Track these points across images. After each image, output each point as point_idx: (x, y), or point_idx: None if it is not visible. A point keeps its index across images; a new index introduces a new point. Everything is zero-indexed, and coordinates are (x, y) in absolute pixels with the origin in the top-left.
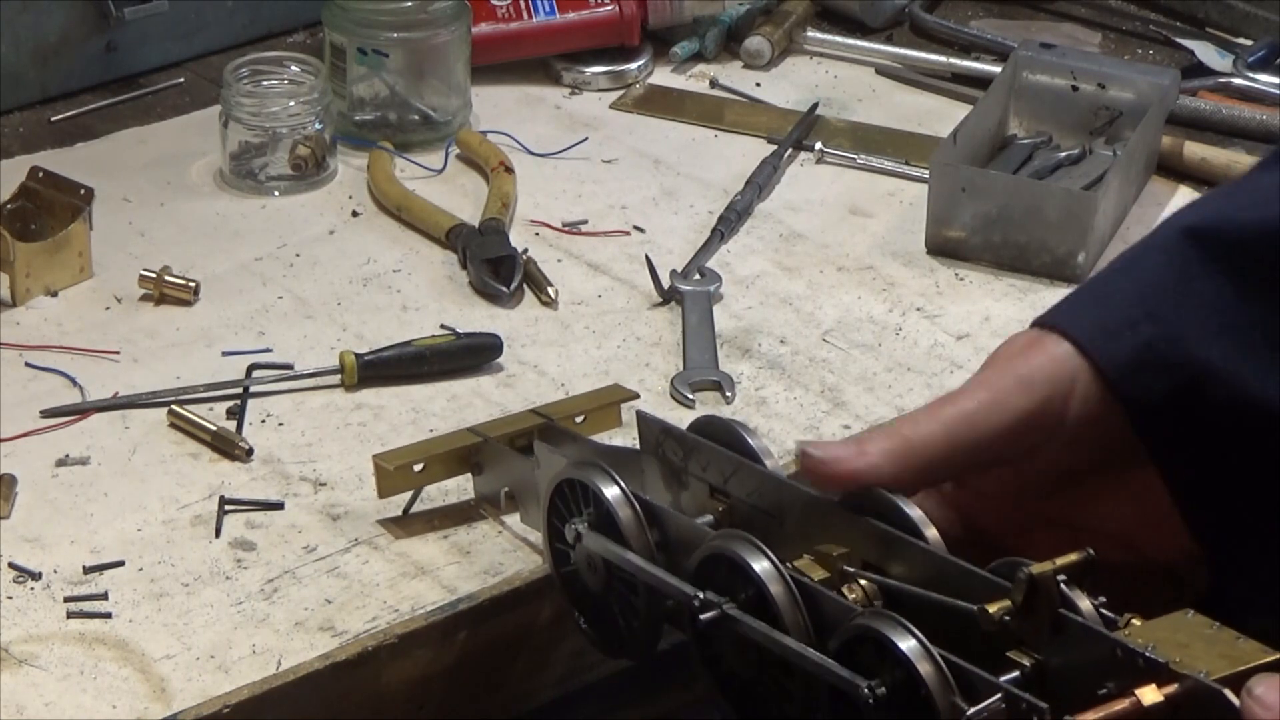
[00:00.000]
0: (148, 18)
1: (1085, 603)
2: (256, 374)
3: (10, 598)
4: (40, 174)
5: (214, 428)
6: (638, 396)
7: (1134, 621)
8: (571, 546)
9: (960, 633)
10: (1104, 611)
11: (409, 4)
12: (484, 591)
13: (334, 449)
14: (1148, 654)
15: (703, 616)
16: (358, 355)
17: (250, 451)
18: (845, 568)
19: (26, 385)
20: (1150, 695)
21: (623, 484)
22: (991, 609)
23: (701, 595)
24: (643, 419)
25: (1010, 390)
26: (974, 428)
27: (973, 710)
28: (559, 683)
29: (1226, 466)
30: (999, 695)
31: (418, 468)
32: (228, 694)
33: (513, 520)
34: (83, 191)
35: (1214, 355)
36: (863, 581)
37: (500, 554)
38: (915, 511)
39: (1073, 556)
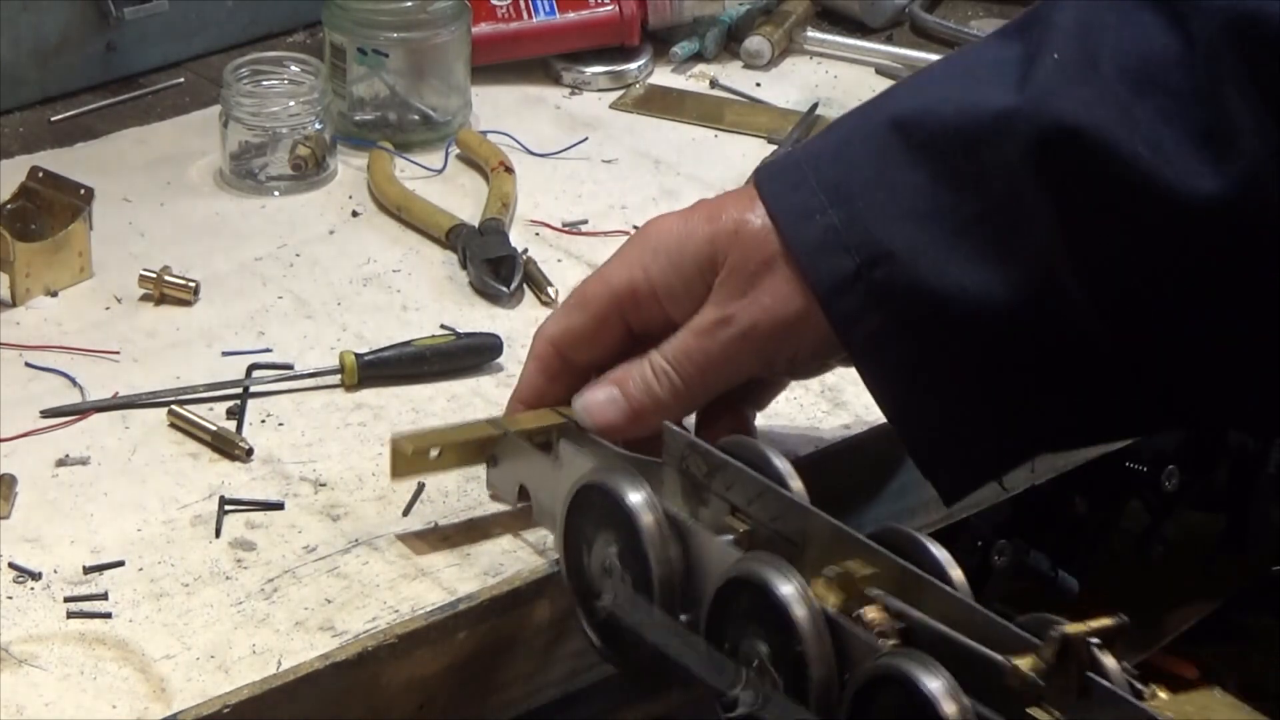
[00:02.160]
0: (148, 18)
1: (1115, 667)
2: (256, 374)
3: (10, 598)
4: (40, 174)
5: (214, 428)
6: None
7: (1160, 693)
8: (589, 558)
9: (981, 683)
10: (1132, 679)
11: (409, 4)
12: (484, 591)
13: (334, 449)
14: None
15: (728, 716)
16: (358, 355)
17: (250, 451)
18: (866, 590)
19: (26, 385)
20: None
21: (649, 491)
22: (1023, 665)
23: (733, 693)
24: (669, 431)
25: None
26: (720, 387)
27: None
28: (559, 683)
29: (913, 357)
30: None
31: (434, 454)
32: (228, 694)
33: (512, 512)
34: (83, 191)
35: (896, 239)
36: (879, 607)
37: (500, 554)
38: (942, 553)
39: (1106, 620)
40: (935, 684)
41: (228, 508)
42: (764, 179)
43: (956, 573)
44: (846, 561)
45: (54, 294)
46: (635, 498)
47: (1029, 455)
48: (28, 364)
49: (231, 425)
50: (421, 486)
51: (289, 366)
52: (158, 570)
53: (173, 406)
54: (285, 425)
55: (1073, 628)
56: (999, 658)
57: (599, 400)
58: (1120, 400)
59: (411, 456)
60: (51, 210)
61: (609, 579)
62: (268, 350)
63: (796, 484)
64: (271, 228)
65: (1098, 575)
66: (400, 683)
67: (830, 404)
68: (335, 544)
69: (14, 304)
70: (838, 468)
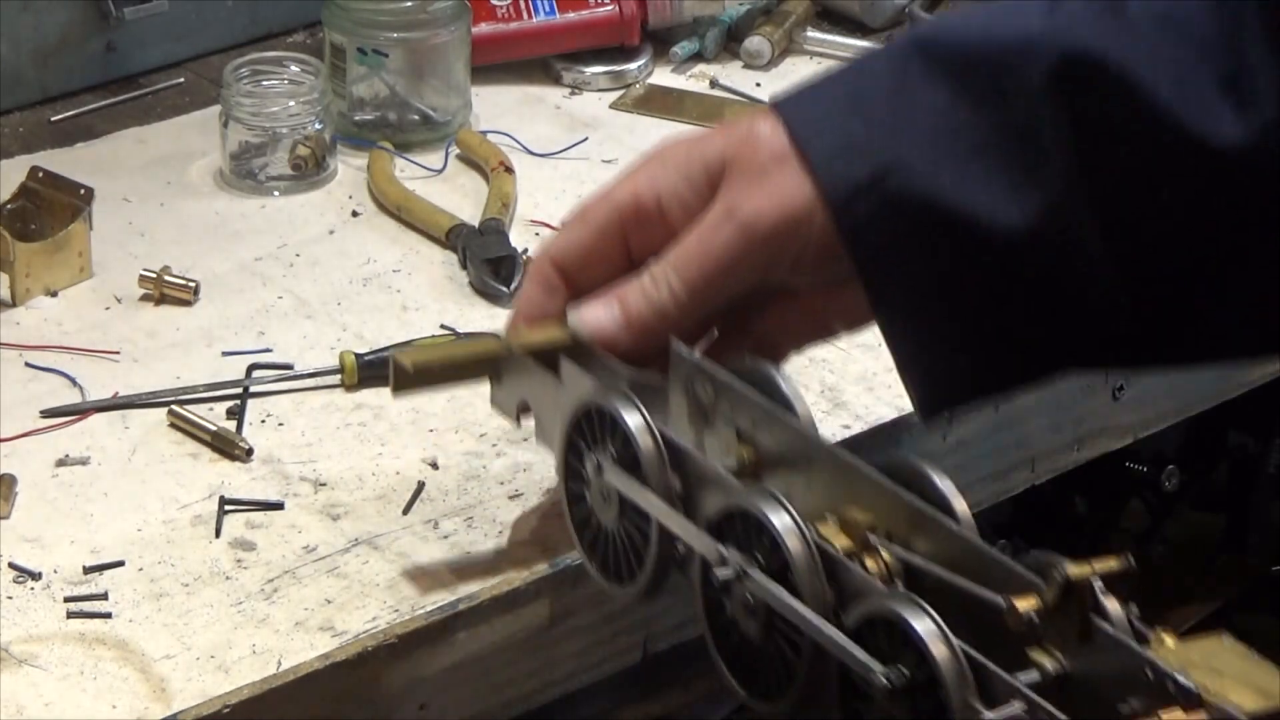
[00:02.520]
0: (148, 18)
1: (1118, 612)
2: (256, 374)
3: (10, 598)
4: (40, 174)
5: (214, 428)
6: None
7: (1166, 638)
8: (587, 481)
9: (981, 623)
10: (1136, 624)
11: (409, 4)
12: (484, 591)
13: (334, 449)
14: (1180, 679)
15: (720, 573)
16: (358, 355)
17: (250, 451)
18: (869, 537)
19: (26, 385)
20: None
21: (647, 415)
22: (1021, 606)
23: (722, 551)
24: (677, 351)
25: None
26: (724, 290)
27: (990, 715)
28: (559, 683)
29: (916, 269)
30: (1019, 704)
31: (437, 368)
32: (228, 694)
33: (512, 511)
34: (83, 191)
35: (912, 151)
36: (885, 554)
37: (500, 554)
38: (947, 484)
39: (1112, 562)
40: (923, 626)
41: (228, 508)
42: (779, 96)
43: (961, 504)
44: (850, 506)
45: (54, 294)
46: (633, 421)
47: (1011, 383)
48: (28, 364)
49: (231, 425)
50: (421, 485)
51: (289, 366)
52: (158, 570)
53: (173, 406)
54: (285, 425)
55: (1076, 569)
56: (997, 598)
57: (596, 312)
58: (1111, 334)
59: (413, 372)
60: (51, 210)
61: (607, 504)
62: (268, 350)
63: (803, 408)
64: (271, 228)
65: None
66: (400, 683)
67: (830, 404)
68: (335, 544)
69: (14, 304)
70: None
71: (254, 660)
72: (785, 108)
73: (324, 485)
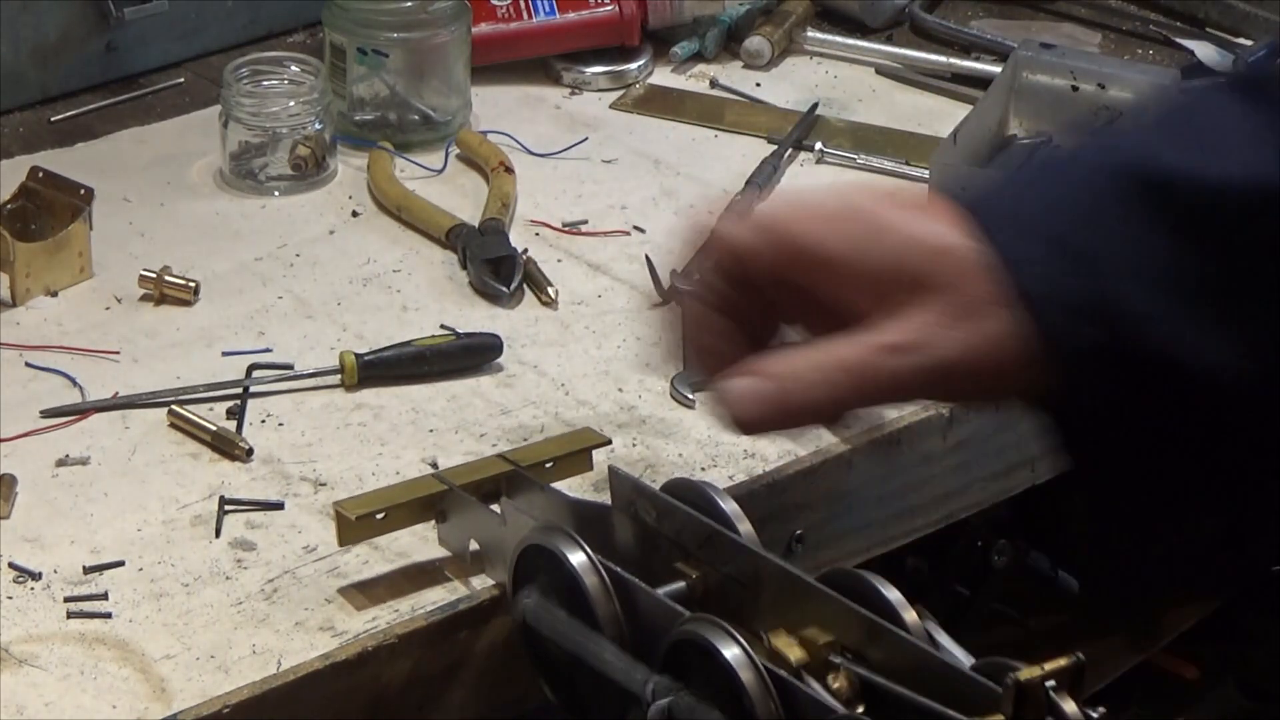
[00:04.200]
0: (148, 18)
1: (1075, 712)
2: (256, 374)
3: (10, 598)
4: (40, 174)
5: (214, 428)
6: (609, 443)
7: None
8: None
9: None
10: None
11: (409, 4)
12: (484, 591)
13: (334, 449)
14: None
15: (654, 704)
16: (358, 355)
17: (250, 451)
18: (829, 656)
19: (26, 385)
20: None
21: (590, 551)
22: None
23: (651, 685)
24: (615, 475)
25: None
26: (876, 401)
27: None
28: None
29: (1135, 426)
30: None
31: (380, 516)
32: (228, 694)
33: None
34: (83, 191)
35: (1142, 307)
36: (844, 674)
37: None
38: (894, 594)
39: (1061, 661)
40: None
41: (228, 508)
42: (984, 212)
43: (910, 614)
44: (803, 622)
45: (54, 294)
46: (577, 559)
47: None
48: (28, 364)
49: (231, 425)
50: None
51: (289, 366)
52: (158, 570)
53: (173, 406)
54: (285, 425)
55: (1027, 672)
56: (960, 718)
57: (747, 391)
58: None
59: (356, 522)
60: (51, 210)
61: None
62: (268, 350)
63: (746, 527)
64: (271, 228)
65: (1098, 575)
66: (400, 683)
67: None
68: (335, 544)
69: (14, 304)
70: (839, 469)
71: (254, 660)
72: (998, 236)
73: (324, 485)
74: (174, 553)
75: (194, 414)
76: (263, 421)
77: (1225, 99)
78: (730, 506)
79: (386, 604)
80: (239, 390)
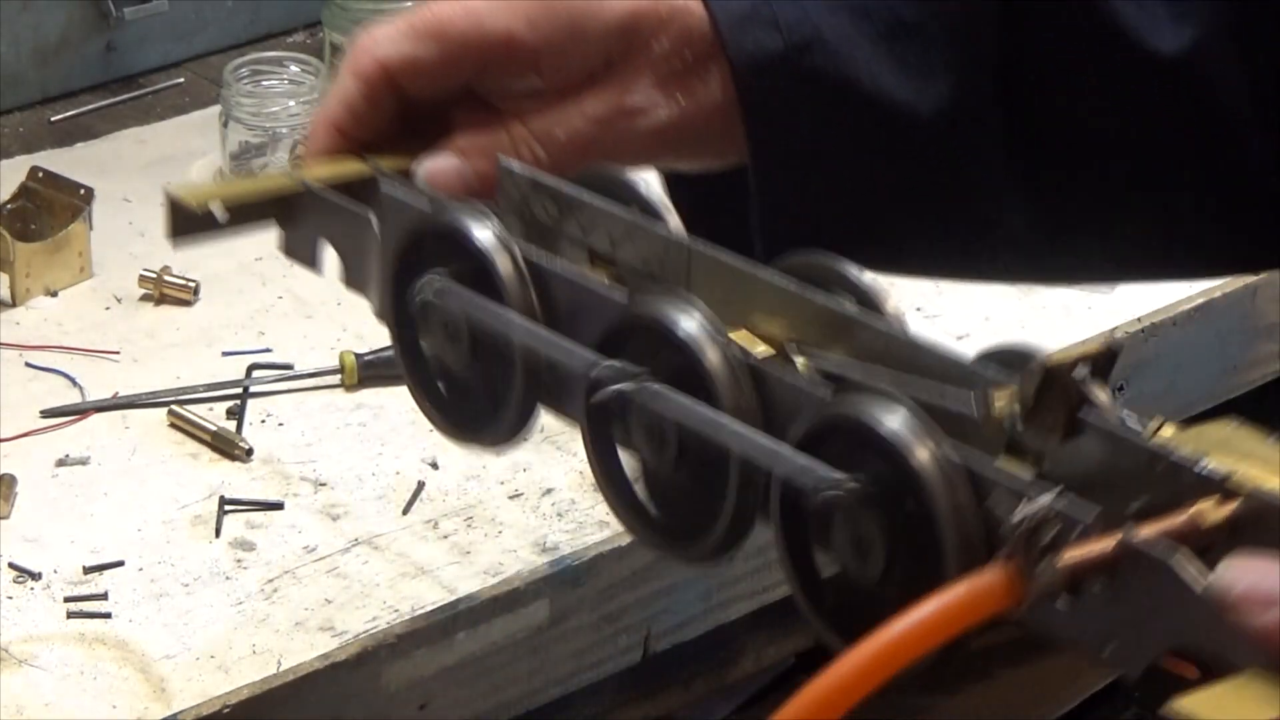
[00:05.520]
0: (148, 18)
1: (1107, 402)
2: (256, 374)
3: (10, 598)
4: (40, 174)
5: (214, 428)
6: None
7: (1165, 429)
8: (425, 322)
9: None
10: (1126, 416)
11: (409, 4)
12: (484, 591)
13: (334, 449)
14: (1203, 466)
15: (614, 388)
16: (358, 355)
17: (250, 451)
18: (788, 348)
19: (26, 385)
20: (1212, 511)
21: (500, 227)
22: (999, 401)
23: (612, 364)
24: (506, 170)
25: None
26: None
27: (1022, 513)
28: (559, 683)
29: (815, 148)
30: (1044, 494)
31: (216, 209)
32: (228, 694)
33: (512, 511)
34: (83, 191)
35: (829, 27)
36: (805, 364)
37: (500, 554)
38: (872, 281)
39: (1094, 345)
40: (895, 423)
41: (228, 508)
42: None
43: (892, 303)
44: (756, 317)
45: (54, 294)
46: (483, 236)
47: (874, 253)
48: (28, 364)
49: (231, 425)
50: (421, 485)
51: (289, 366)
52: (158, 570)
53: (173, 406)
54: (285, 425)
55: (1057, 355)
56: (964, 397)
57: (444, 164)
58: (1000, 237)
59: (191, 212)
60: (51, 210)
61: (454, 342)
62: (268, 350)
63: (674, 219)
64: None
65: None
66: (400, 683)
67: None
68: (335, 544)
69: (14, 304)
70: None
71: (254, 660)
72: None
73: (324, 485)
74: (174, 553)
75: (194, 414)
76: (263, 421)
77: None
78: (651, 190)
79: (386, 604)
80: (239, 390)
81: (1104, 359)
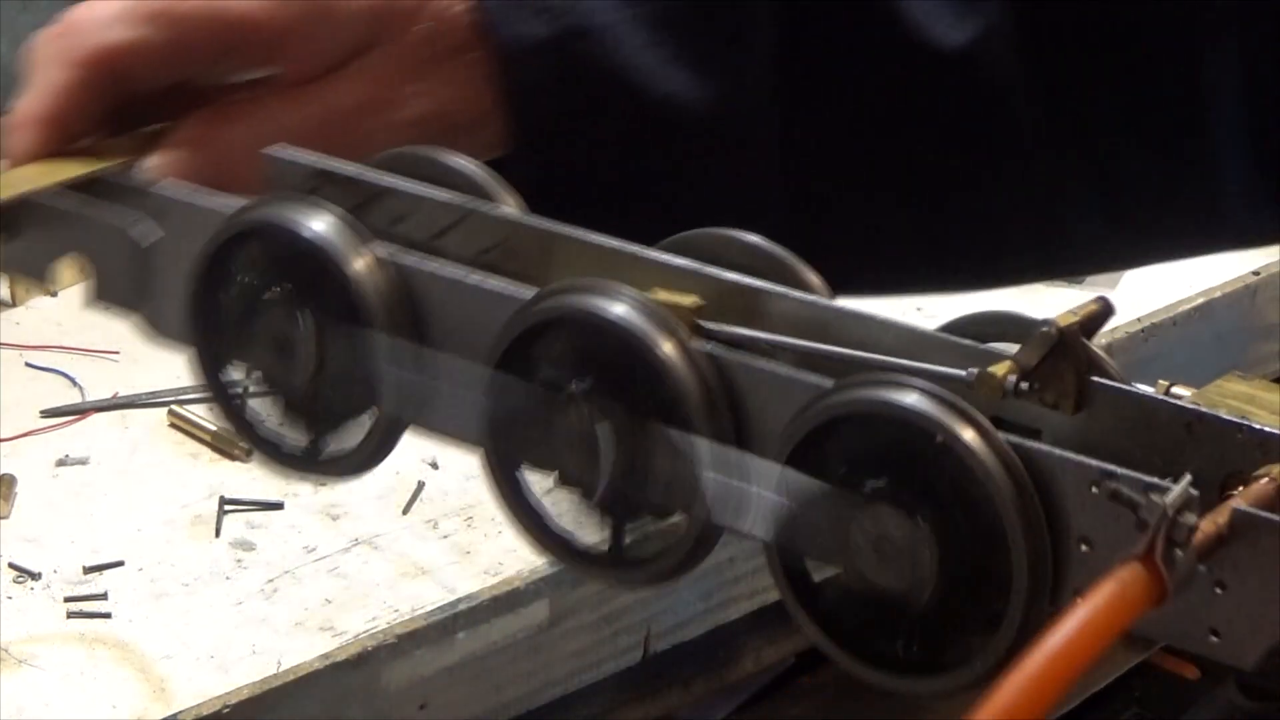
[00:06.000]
0: None
1: (1116, 368)
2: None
3: (10, 598)
4: None
5: (214, 428)
6: None
7: (1176, 389)
8: (246, 347)
9: None
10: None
11: None
12: (484, 591)
13: None
14: (1258, 427)
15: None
16: None
17: (250, 451)
18: (702, 323)
19: (26, 385)
20: None
21: (345, 216)
22: (999, 371)
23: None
24: (279, 160)
25: None
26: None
27: (1160, 502)
28: (559, 683)
29: (583, 140)
30: (1180, 482)
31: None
32: (228, 694)
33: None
34: None
35: (598, 14)
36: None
37: (500, 553)
38: (777, 249)
39: (1092, 306)
40: (927, 405)
41: (228, 508)
42: None
43: (811, 275)
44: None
45: (54, 294)
46: (323, 229)
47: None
48: (28, 364)
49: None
50: (421, 485)
51: None
52: (158, 570)
53: (172, 407)
54: None
55: (1064, 318)
56: (956, 372)
57: (177, 170)
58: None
59: None
60: None
61: (289, 360)
62: None
63: (512, 200)
64: None
65: None
66: (400, 683)
67: None
68: (335, 544)
69: (14, 304)
70: None
71: (254, 660)
72: None
73: (324, 485)
74: (174, 553)
75: (194, 414)
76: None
77: None
78: (476, 170)
79: (386, 604)
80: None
81: (1100, 318)
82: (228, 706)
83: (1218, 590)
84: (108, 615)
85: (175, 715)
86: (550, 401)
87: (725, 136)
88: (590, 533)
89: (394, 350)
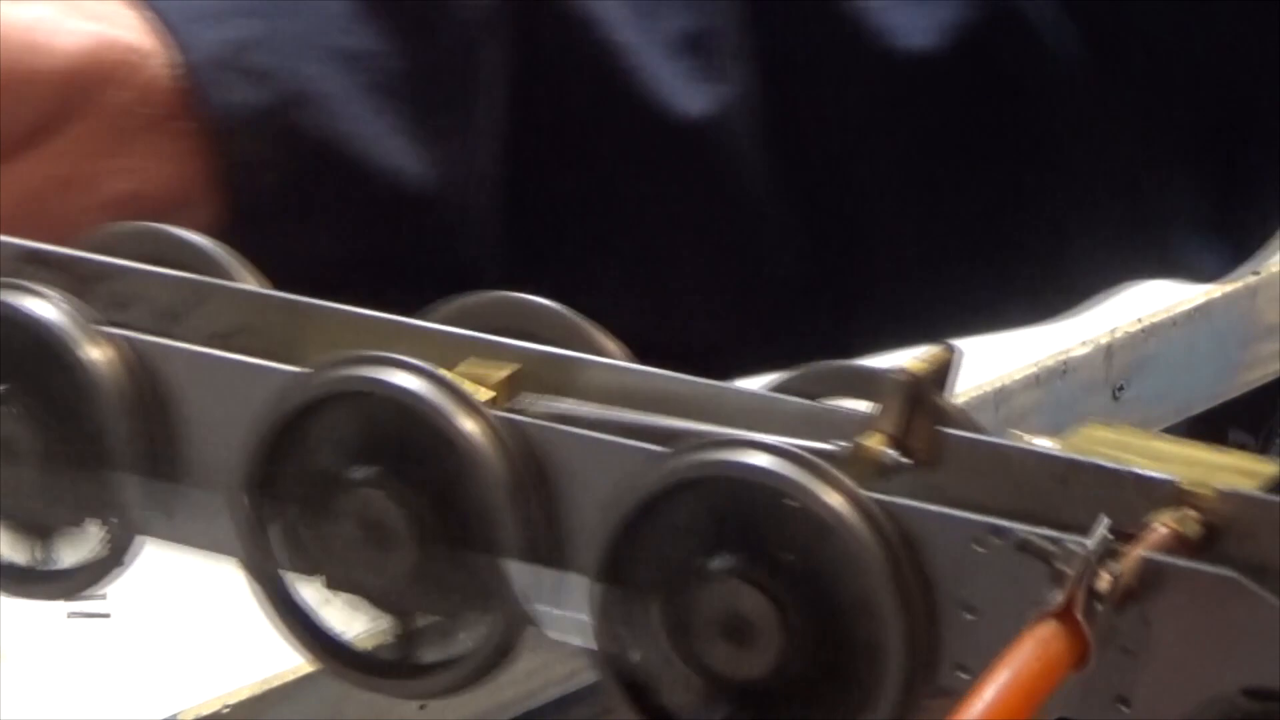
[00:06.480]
0: None
1: (958, 408)
2: None
3: (9, 597)
4: None
5: None
6: None
7: (1038, 440)
8: None
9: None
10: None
11: None
12: None
13: None
14: (1142, 473)
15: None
16: None
17: None
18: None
19: None
20: (1186, 520)
21: (69, 299)
22: (870, 443)
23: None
24: None
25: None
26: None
27: (1075, 555)
28: (559, 683)
29: (309, 217)
30: (1096, 531)
31: None
32: (228, 694)
33: None
34: None
35: (317, 79)
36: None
37: None
38: (570, 314)
39: (939, 352)
40: (789, 470)
41: None
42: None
43: (611, 343)
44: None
45: None
46: (49, 312)
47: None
48: None
49: None
50: None
51: None
52: (158, 570)
53: None
54: None
55: (913, 366)
56: (826, 446)
57: None
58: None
59: None
60: None
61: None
62: None
63: (251, 277)
64: None
65: None
66: None
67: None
68: None
69: None
70: None
71: (254, 660)
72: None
73: None
74: (174, 552)
75: None
76: None
77: None
78: (209, 245)
79: None
80: None
81: (946, 366)
82: (227, 706)
83: (1124, 653)
84: (107, 615)
85: (175, 715)
86: (327, 494)
87: (446, 209)
88: (372, 638)
89: (133, 446)
